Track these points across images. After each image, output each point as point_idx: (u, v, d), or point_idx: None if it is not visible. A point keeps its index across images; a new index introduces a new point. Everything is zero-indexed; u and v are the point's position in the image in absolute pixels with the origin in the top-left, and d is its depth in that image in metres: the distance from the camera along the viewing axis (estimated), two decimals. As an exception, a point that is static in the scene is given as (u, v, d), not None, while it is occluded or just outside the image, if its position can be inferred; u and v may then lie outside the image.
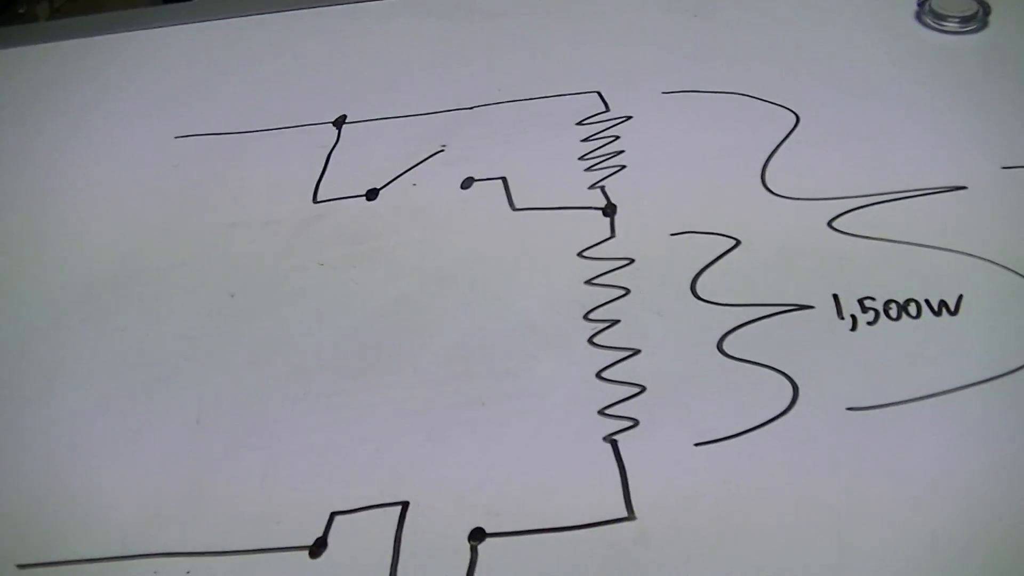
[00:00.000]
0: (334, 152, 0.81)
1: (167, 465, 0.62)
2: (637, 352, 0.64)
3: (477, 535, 0.56)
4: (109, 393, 0.66)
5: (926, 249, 0.68)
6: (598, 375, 0.63)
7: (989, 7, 0.90)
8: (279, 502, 0.60)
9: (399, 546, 0.57)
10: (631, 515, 0.57)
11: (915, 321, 0.64)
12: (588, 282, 0.68)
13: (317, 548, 0.57)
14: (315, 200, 0.77)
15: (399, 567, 0.56)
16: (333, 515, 0.58)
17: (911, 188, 0.73)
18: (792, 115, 0.80)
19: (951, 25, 0.90)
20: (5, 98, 0.94)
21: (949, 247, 0.68)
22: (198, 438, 0.63)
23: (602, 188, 0.75)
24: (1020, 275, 0.66)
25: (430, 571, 0.56)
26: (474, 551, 0.56)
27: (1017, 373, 0.61)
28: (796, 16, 0.91)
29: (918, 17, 0.91)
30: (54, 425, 0.65)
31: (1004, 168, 0.74)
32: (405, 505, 0.58)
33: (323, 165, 0.80)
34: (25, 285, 0.76)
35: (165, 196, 0.81)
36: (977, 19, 0.89)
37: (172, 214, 0.78)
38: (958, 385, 0.61)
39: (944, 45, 0.88)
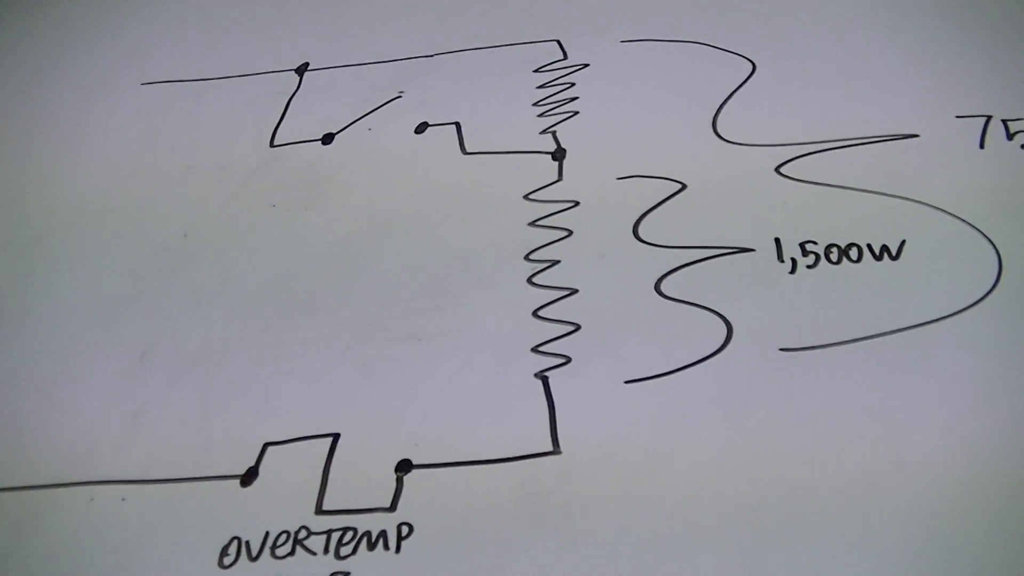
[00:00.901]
0: (294, 99, 0.82)
1: (109, 398, 0.63)
2: (575, 292, 0.65)
3: (403, 466, 0.57)
4: (56, 328, 0.67)
5: (873, 195, 0.69)
6: (534, 313, 0.64)
7: (954, -44, 0.90)
8: (215, 434, 0.61)
9: (327, 476, 0.57)
10: (556, 450, 0.57)
11: (855, 265, 0.65)
12: (532, 223, 0.69)
13: (248, 477, 0.58)
14: (272, 144, 0.78)
15: (326, 495, 0.56)
16: (266, 446, 0.59)
17: (863, 136, 0.73)
18: (749, 63, 0.80)
19: (915, -26, 0.89)
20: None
21: (896, 193, 0.69)
22: (140, 373, 0.64)
23: (553, 133, 0.75)
24: (965, 221, 0.66)
25: (356, 500, 0.57)
26: (399, 481, 0.57)
27: (952, 318, 0.62)
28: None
29: (882, -38, 0.90)
30: (1, 359, 0.65)
31: (958, 117, 0.74)
32: (336, 437, 0.59)
33: (282, 111, 0.80)
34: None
35: (127, 140, 0.82)
36: (940, -36, 0.89)
37: (132, 157, 0.79)
38: (892, 328, 0.61)
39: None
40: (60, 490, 0.60)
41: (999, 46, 0.80)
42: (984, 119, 0.74)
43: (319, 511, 0.56)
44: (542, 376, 0.60)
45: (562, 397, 0.60)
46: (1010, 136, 0.72)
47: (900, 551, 0.52)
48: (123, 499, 0.58)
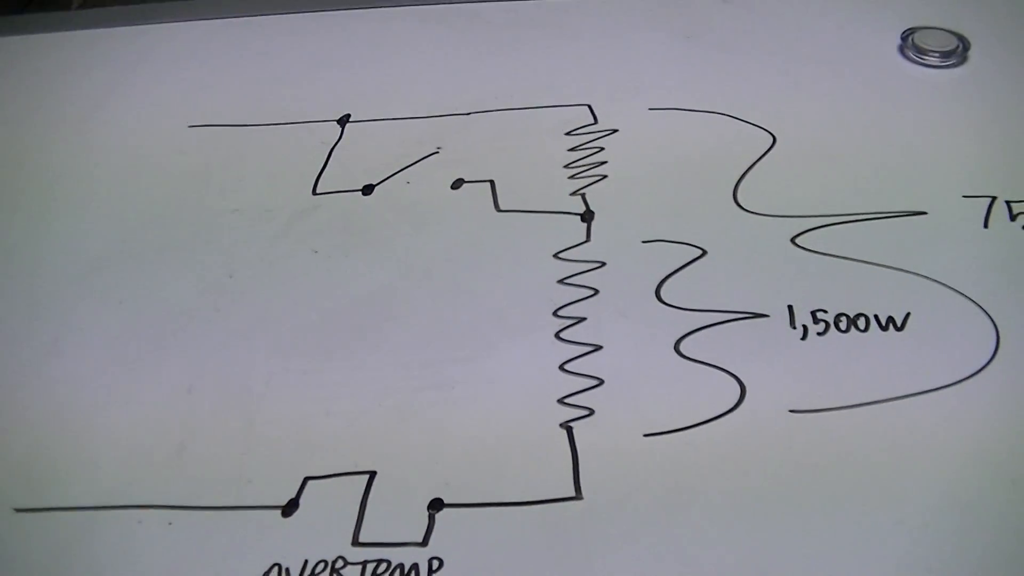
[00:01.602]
0: (336, 148, 0.85)
1: (158, 426, 0.66)
2: (599, 348, 0.68)
3: (436, 504, 0.61)
4: (107, 359, 0.71)
5: (881, 268, 0.72)
6: (561, 367, 0.67)
7: (969, 43, 0.94)
8: (257, 466, 0.64)
9: (364, 511, 0.61)
10: (579, 495, 0.61)
11: (862, 334, 0.68)
12: (561, 281, 0.73)
13: (289, 508, 0.62)
14: (315, 192, 0.82)
15: (362, 529, 0.60)
16: (306, 480, 0.62)
17: (874, 211, 0.76)
18: (770, 136, 0.84)
19: (932, 59, 0.93)
20: (37, 80, 0.99)
21: (903, 267, 0.72)
22: (188, 404, 0.67)
23: (583, 195, 0.79)
24: (966, 296, 0.70)
25: (391, 534, 0.60)
26: (431, 519, 0.60)
27: (950, 388, 0.66)
28: (784, 43, 0.95)
29: (901, 51, 0.95)
30: (56, 385, 0.69)
31: (964, 197, 0.77)
32: (372, 474, 0.62)
33: (324, 160, 0.84)
34: (38, 256, 0.80)
35: (174, 180, 0.85)
36: (957, 54, 0.93)
37: (178, 197, 0.83)
38: (894, 395, 0.65)
39: (924, 78, 0.91)
40: (110, 512, 0.63)
41: (1007, 130, 0.83)
42: (989, 200, 0.77)
43: (355, 543, 0.60)
44: (567, 426, 0.64)
45: (585, 446, 0.64)
46: (1013, 217, 0.76)
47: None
48: (170, 523, 0.61)
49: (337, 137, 0.86)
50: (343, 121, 0.88)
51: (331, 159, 0.85)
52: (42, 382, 0.70)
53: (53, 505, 0.64)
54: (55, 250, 0.81)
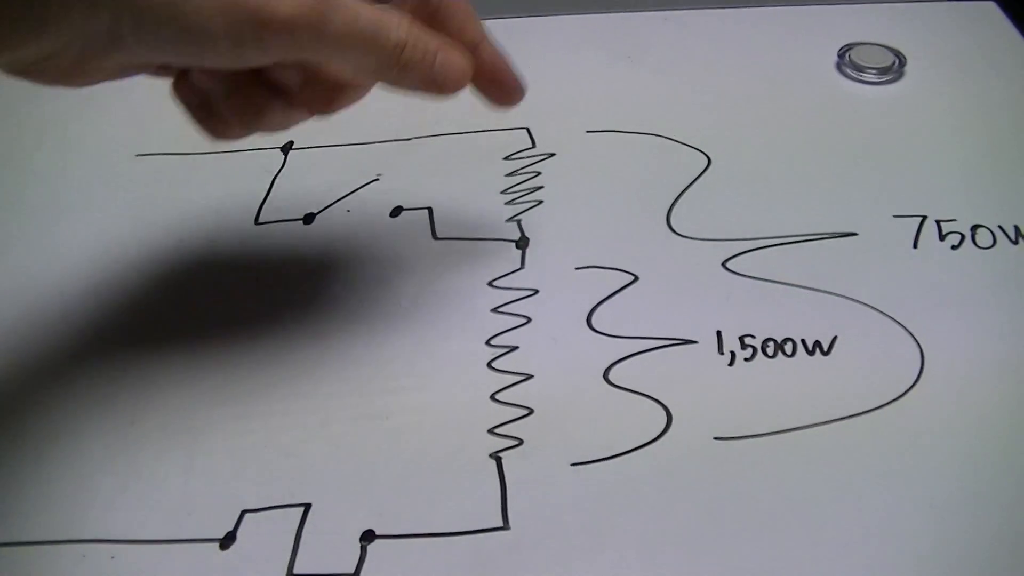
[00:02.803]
0: (279, 177, 0.87)
1: (101, 460, 0.67)
2: (530, 377, 0.70)
3: (368, 536, 0.62)
4: (48, 393, 0.72)
5: (810, 291, 0.74)
6: (492, 397, 0.69)
7: (905, 59, 0.96)
8: (196, 498, 0.65)
9: (299, 542, 0.62)
10: (506, 525, 0.62)
11: (789, 359, 0.70)
12: (494, 310, 0.74)
13: (227, 541, 0.63)
14: (256, 222, 0.83)
15: (296, 561, 0.62)
16: (243, 512, 0.64)
17: (806, 233, 0.78)
18: (705, 157, 0.86)
19: (869, 76, 0.95)
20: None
21: (832, 290, 0.74)
22: (130, 437, 0.68)
23: (518, 222, 0.81)
24: (894, 320, 0.72)
25: (324, 566, 0.62)
26: (363, 550, 0.62)
27: (874, 412, 0.68)
28: (721, 63, 0.97)
29: (838, 67, 0.97)
30: (4, 417, 0.71)
31: (895, 216, 0.80)
32: (307, 507, 0.64)
33: (267, 189, 0.86)
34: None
35: (116, 212, 0.87)
36: (894, 70, 0.95)
37: (121, 229, 0.85)
38: (818, 421, 0.67)
39: (861, 94, 0.93)
40: (55, 547, 0.64)
41: (940, 147, 0.85)
42: (920, 219, 0.79)
43: (289, 575, 0.61)
44: (496, 456, 0.66)
45: (513, 476, 0.66)
46: (942, 237, 0.78)
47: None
48: (112, 557, 0.63)
49: (280, 165, 0.87)
50: (286, 148, 0.90)
51: (273, 188, 0.86)
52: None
53: (2, 540, 0.65)
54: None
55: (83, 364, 0.74)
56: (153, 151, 0.91)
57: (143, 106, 0.93)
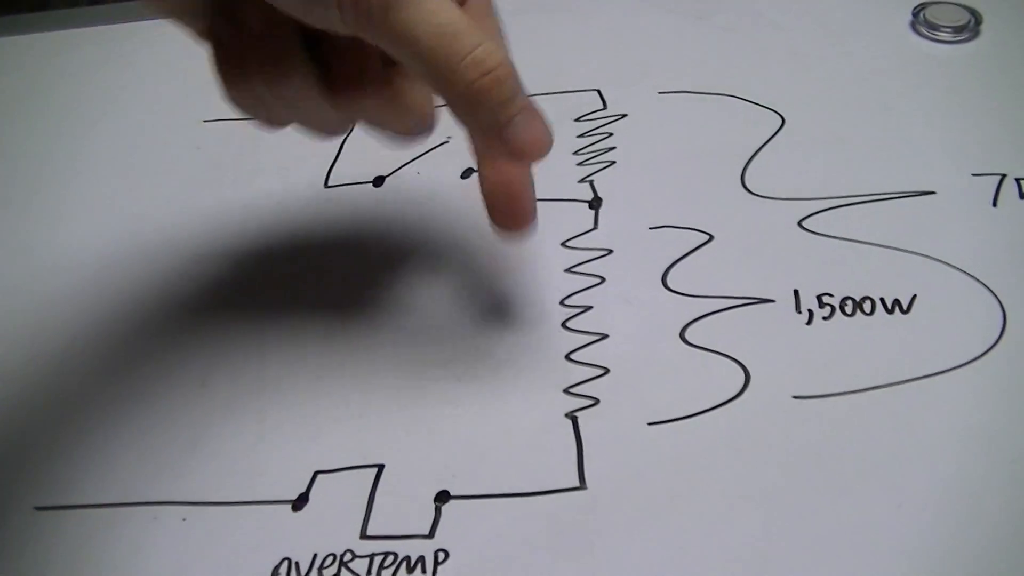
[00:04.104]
0: (347, 141, 0.86)
1: (171, 423, 0.67)
2: (605, 337, 0.69)
3: (442, 497, 0.62)
4: (121, 358, 0.72)
5: (888, 250, 0.72)
6: (567, 356, 0.68)
7: (981, 17, 0.93)
8: (268, 460, 0.65)
9: (372, 504, 0.62)
10: (583, 485, 0.62)
11: (868, 318, 0.69)
12: (568, 270, 0.73)
13: (299, 502, 0.63)
14: (326, 185, 0.83)
15: (370, 522, 0.61)
16: (316, 474, 0.64)
17: (882, 192, 0.77)
18: (779, 117, 0.84)
19: (944, 35, 0.93)
20: (47, 79, 1.00)
21: (910, 249, 0.72)
22: (200, 399, 0.68)
23: (591, 182, 0.80)
24: (974, 278, 0.70)
25: (398, 527, 0.61)
26: (438, 511, 0.61)
27: (955, 371, 0.66)
28: (793, 23, 0.95)
29: (912, 26, 0.94)
30: (73, 383, 0.71)
31: (974, 175, 0.78)
32: (380, 468, 0.64)
33: (336, 153, 0.85)
34: (51, 255, 0.82)
35: (186, 176, 0.87)
36: (969, 28, 0.93)
37: (191, 193, 0.85)
38: (897, 379, 0.66)
39: (936, 54, 0.91)
40: (127, 508, 0.64)
41: (1018, 105, 0.83)
42: (999, 177, 0.77)
43: (363, 536, 0.61)
44: (572, 416, 0.65)
45: (589, 436, 0.65)
46: (1022, 195, 0.76)
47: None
48: (184, 519, 0.63)
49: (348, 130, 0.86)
50: (353, 112, 0.88)
51: (342, 152, 0.86)
52: (58, 382, 0.70)
53: (72, 503, 0.65)
54: (68, 249, 0.83)
55: (154, 326, 0.74)
56: (221, 117, 0.89)
57: (210, 72, 0.92)
